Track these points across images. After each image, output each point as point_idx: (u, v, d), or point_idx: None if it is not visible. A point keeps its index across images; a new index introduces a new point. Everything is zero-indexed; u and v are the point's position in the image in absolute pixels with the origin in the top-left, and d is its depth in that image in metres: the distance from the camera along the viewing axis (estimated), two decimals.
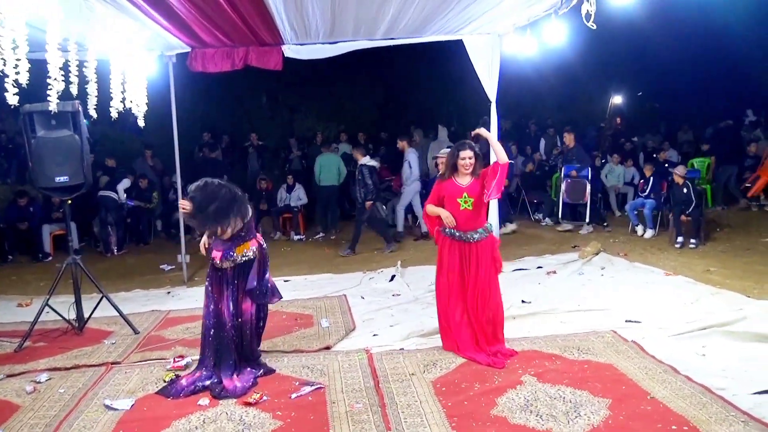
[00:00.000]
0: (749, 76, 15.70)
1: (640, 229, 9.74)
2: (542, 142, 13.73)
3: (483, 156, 5.07)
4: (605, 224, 10.52)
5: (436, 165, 6.03)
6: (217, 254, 4.67)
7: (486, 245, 4.90)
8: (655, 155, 12.54)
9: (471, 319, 4.93)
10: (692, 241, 8.67)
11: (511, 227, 10.61)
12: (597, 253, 8.33)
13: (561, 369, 4.49)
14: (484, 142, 6.13)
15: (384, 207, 11.27)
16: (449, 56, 11.15)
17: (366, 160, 9.84)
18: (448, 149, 5.34)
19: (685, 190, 9.07)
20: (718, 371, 4.30)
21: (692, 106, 17.10)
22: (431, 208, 5.01)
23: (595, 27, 5.24)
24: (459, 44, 8.01)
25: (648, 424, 3.58)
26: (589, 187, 10.59)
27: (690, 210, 8.81)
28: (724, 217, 10.71)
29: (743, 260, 7.69)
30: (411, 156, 10.33)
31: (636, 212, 9.89)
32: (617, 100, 18.05)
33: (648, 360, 4.56)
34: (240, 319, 4.74)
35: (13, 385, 4.73)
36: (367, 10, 6.31)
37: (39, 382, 4.75)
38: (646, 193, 9.95)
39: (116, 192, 11.09)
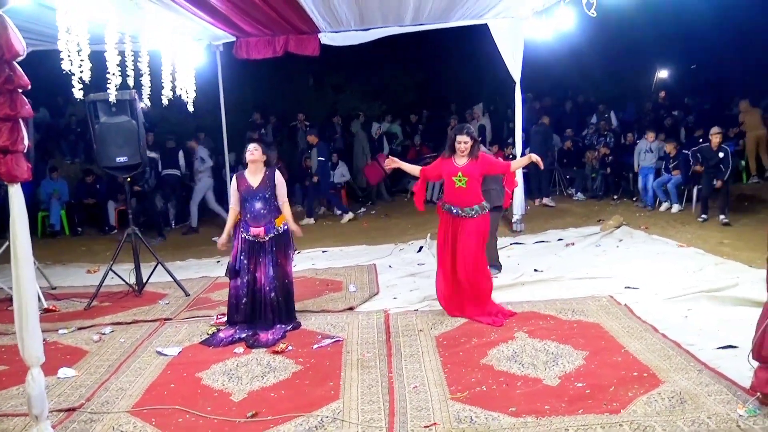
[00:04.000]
0: None
1: (666, 204, 9.99)
2: (594, 119, 13.91)
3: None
4: (634, 198, 10.83)
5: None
6: (258, 230, 5.36)
7: (476, 222, 5.40)
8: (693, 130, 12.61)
9: (457, 286, 5.48)
10: (722, 217, 8.74)
11: (546, 201, 11.15)
12: (618, 227, 8.72)
13: (552, 327, 5.03)
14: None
15: None
16: (484, 36, 11.57)
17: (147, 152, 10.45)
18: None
19: (721, 154, 9.05)
20: (695, 330, 4.76)
21: (750, 78, 16.73)
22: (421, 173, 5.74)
23: (595, 15, 5.64)
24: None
25: (614, 371, 4.10)
26: None
27: (726, 176, 8.86)
28: (756, 191, 10.84)
29: (760, 233, 7.90)
30: (202, 152, 11.07)
31: (662, 188, 10.13)
32: (663, 74, 17.96)
33: (633, 320, 5.05)
34: (287, 280, 5.52)
35: (83, 336, 5.59)
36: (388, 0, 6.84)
37: (104, 334, 5.59)
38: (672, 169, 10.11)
39: (178, 167, 11.88)
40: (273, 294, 5.39)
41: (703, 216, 9.01)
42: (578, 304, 5.55)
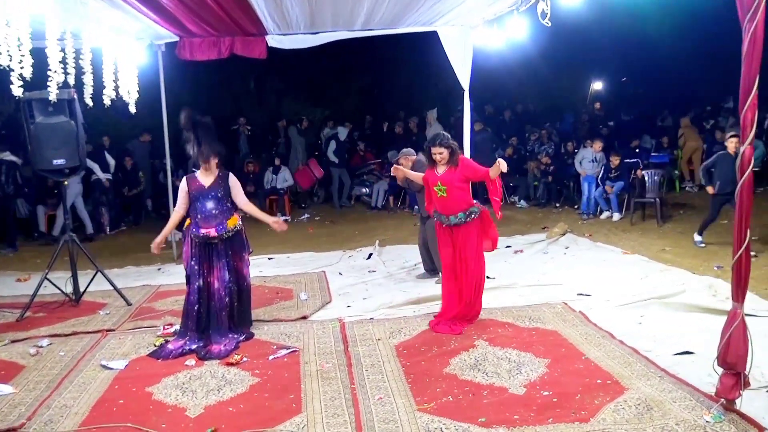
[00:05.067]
0: (733, 62, 15.98)
1: (607, 213, 10.23)
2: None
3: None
4: (576, 206, 11.06)
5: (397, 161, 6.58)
6: (209, 230, 5.15)
7: (468, 228, 5.31)
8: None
9: (460, 292, 5.39)
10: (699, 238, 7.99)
11: None
12: (563, 234, 8.86)
13: (511, 335, 5.02)
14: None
15: None
16: (430, 43, 11.59)
17: (5, 156, 9.91)
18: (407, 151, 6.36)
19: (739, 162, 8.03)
20: (650, 336, 4.84)
21: (675, 91, 17.43)
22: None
23: (550, 24, 5.70)
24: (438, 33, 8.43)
25: (577, 378, 4.11)
26: None
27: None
28: (689, 200, 11.28)
29: None
30: None
31: (603, 197, 10.35)
32: (598, 86, 18.55)
33: (590, 327, 5.09)
34: (245, 283, 5.36)
35: (17, 349, 5.21)
36: (342, 3, 6.72)
37: (41, 347, 5.23)
38: (614, 178, 10.32)
39: (108, 170, 11.43)
40: (228, 299, 5.18)
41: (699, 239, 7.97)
42: (534, 311, 5.57)
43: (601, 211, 10.35)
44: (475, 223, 5.33)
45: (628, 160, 10.43)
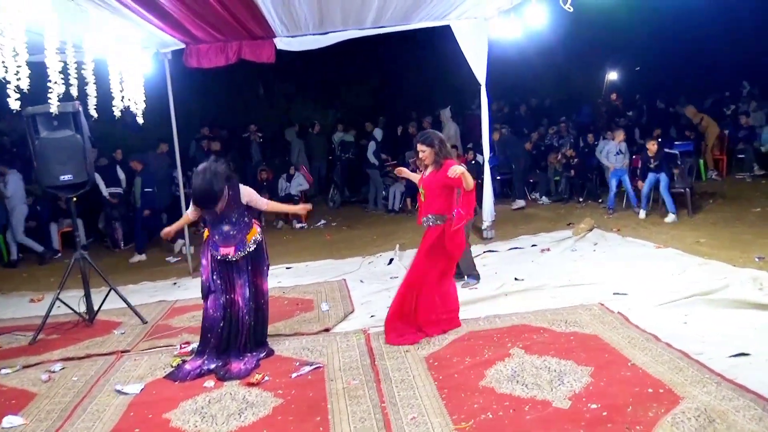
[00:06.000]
0: (747, 47, 15.71)
1: (669, 216, 9.05)
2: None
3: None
4: (600, 201, 10.70)
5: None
6: (228, 250, 4.88)
7: (432, 232, 5.02)
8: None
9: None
10: None
11: (520, 203, 11.18)
12: (590, 230, 8.52)
13: (548, 341, 4.70)
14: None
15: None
16: (442, 40, 11.25)
17: None
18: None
19: None
20: (698, 337, 4.49)
21: (691, 78, 17.03)
22: None
23: (571, 10, 5.40)
24: (450, 28, 8.12)
25: (626, 388, 3.79)
26: None
27: None
28: (718, 188, 10.89)
29: (732, 231, 7.86)
30: (11, 177, 10.25)
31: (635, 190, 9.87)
32: (613, 75, 18.16)
33: (632, 329, 4.76)
34: (263, 300, 5.05)
35: (29, 375, 4.99)
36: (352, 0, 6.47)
37: (53, 372, 5.00)
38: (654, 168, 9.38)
39: (119, 185, 11.27)
40: (248, 317, 4.91)
41: None
42: (569, 314, 5.25)
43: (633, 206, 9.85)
44: (438, 229, 4.99)
45: (668, 150, 9.82)
